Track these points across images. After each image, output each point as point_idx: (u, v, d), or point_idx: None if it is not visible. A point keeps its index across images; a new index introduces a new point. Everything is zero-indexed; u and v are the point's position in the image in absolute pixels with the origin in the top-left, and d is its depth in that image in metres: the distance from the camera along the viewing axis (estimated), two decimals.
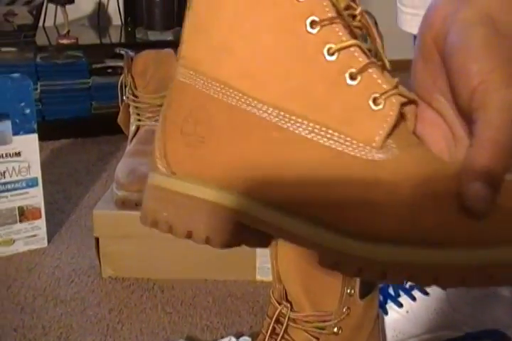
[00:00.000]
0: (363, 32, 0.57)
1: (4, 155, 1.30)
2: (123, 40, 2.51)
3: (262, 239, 0.58)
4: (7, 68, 1.90)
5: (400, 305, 1.07)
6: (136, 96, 1.41)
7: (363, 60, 0.52)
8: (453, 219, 0.48)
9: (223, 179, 0.55)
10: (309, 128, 0.52)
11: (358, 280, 0.84)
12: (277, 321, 0.87)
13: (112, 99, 1.69)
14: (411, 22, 1.06)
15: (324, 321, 0.85)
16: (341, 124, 0.52)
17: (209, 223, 0.55)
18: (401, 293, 1.08)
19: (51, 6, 2.37)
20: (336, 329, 0.85)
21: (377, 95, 0.51)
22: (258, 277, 1.25)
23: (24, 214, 1.35)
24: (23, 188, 1.34)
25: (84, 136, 2.12)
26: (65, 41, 2.23)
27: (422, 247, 0.48)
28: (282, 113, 0.53)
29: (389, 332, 1.06)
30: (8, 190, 1.32)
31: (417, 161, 0.51)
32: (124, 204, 1.22)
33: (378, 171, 0.50)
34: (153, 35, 2.34)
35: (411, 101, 0.55)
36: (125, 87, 1.45)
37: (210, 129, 0.56)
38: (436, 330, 1.08)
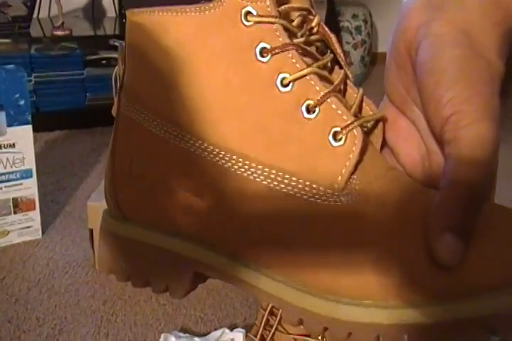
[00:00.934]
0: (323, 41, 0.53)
1: None
2: (117, 32, 2.50)
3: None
4: (1, 59, 1.89)
5: None
6: None
7: (320, 88, 0.48)
8: (420, 273, 0.44)
9: (177, 225, 0.51)
10: (265, 174, 0.47)
11: None
12: (271, 313, 0.87)
13: (106, 91, 1.69)
14: None
15: None
16: (300, 167, 0.47)
17: (168, 274, 0.52)
18: None
19: None
20: None
21: (337, 129, 0.47)
22: None
23: (18, 205, 1.35)
24: (17, 179, 1.33)
25: (78, 127, 2.12)
26: (59, 33, 2.23)
27: (385, 306, 0.44)
28: (235, 157, 0.48)
29: None
30: (2, 181, 1.32)
31: (381, 203, 0.46)
32: None
33: (341, 218, 0.46)
34: None
35: (379, 120, 0.52)
36: (119, 78, 1.44)
37: (159, 174, 0.51)
38: None
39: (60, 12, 2.30)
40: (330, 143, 0.47)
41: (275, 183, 0.47)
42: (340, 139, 0.47)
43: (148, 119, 0.51)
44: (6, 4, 2.30)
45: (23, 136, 1.32)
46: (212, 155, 0.49)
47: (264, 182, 0.47)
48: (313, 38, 0.51)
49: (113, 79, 1.47)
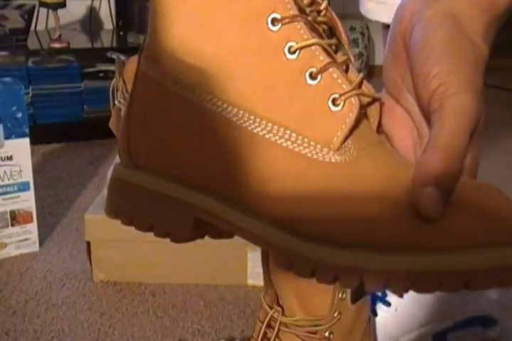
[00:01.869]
0: (329, 27, 0.57)
1: None
2: (114, 44, 2.52)
3: (221, 232, 0.58)
4: None
5: (389, 305, 1.08)
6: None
7: (323, 58, 0.52)
8: (408, 224, 0.47)
9: (184, 175, 0.55)
10: (268, 129, 0.51)
11: None
12: (269, 325, 0.87)
13: (103, 103, 1.69)
14: (376, 10, 1.05)
15: (316, 325, 0.85)
16: (300, 125, 0.51)
17: (170, 219, 0.55)
18: (388, 292, 1.09)
19: (43, 10, 2.37)
20: (327, 334, 0.85)
21: (336, 95, 0.51)
22: (249, 281, 1.26)
23: (16, 218, 1.35)
24: (14, 192, 1.34)
25: (75, 139, 2.12)
26: (56, 45, 2.23)
27: (375, 252, 0.47)
28: (241, 112, 0.52)
29: (380, 335, 1.07)
30: None
31: (374, 164, 0.51)
32: None
33: (335, 174, 0.50)
34: None
35: (375, 100, 0.55)
36: (117, 91, 1.45)
37: (171, 125, 0.55)
38: (426, 324, 1.09)
39: (57, 25, 2.31)
40: (329, 107, 0.51)
41: (276, 138, 0.51)
42: (339, 105, 0.51)
43: (164, 76, 0.55)
44: (4, 17, 2.31)
45: (21, 148, 1.32)
46: (220, 109, 0.53)
47: (267, 136, 0.51)
48: (320, 19, 0.56)
49: (110, 91, 1.47)
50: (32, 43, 2.30)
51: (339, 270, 0.49)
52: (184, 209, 0.56)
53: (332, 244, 0.48)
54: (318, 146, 0.51)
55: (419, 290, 0.47)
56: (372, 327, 0.97)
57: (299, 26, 0.52)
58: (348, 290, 0.85)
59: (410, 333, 1.09)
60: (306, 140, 0.51)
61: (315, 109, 0.51)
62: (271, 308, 0.87)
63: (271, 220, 0.51)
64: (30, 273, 1.28)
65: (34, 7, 2.29)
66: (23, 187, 1.34)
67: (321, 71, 0.52)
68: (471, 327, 1.10)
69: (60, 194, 1.68)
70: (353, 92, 0.51)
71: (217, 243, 1.29)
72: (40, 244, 1.39)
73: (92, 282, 1.24)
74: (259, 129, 0.52)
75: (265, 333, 0.88)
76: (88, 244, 1.25)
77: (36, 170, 1.46)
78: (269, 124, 0.52)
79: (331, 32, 0.57)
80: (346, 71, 0.56)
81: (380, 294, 1.09)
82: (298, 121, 0.51)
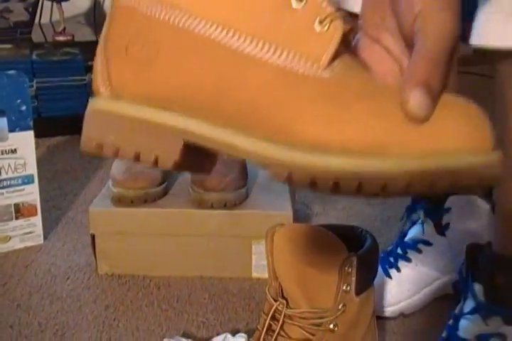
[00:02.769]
0: None
1: (0, 152, 1.30)
2: None
3: (205, 163, 0.60)
4: (3, 65, 1.89)
5: (409, 260, 1.18)
6: None
7: None
8: (397, 128, 0.50)
9: (171, 99, 0.56)
10: (258, 47, 0.54)
11: (354, 278, 0.85)
12: (273, 318, 0.87)
13: None
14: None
15: (320, 318, 0.85)
16: (289, 41, 0.54)
17: (157, 144, 0.56)
18: (408, 250, 1.19)
19: (47, 3, 2.36)
20: (331, 326, 0.85)
21: (322, 18, 0.54)
22: (254, 274, 1.26)
23: (20, 211, 1.35)
24: (19, 185, 1.33)
25: (80, 132, 2.10)
26: (61, 38, 2.23)
27: (370, 156, 0.50)
28: (229, 30, 0.54)
29: (404, 287, 1.17)
30: (4, 187, 1.32)
31: (361, 82, 0.53)
32: (120, 201, 1.22)
33: (325, 88, 0.53)
34: None
35: (351, 29, 0.58)
36: None
37: (158, 50, 0.56)
38: (444, 275, 1.20)
39: (61, 17, 2.30)
40: (315, 28, 0.54)
41: (268, 55, 0.53)
42: (325, 26, 0.54)
43: (148, 5, 0.57)
44: (8, 9, 2.31)
45: (25, 141, 1.32)
46: (208, 30, 0.55)
47: (259, 56, 0.54)
48: None
49: None
50: (36, 36, 2.30)
51: (339, 176, 0.50)
52: (172, 134, 0.56)
53: (330, 152, 0.51)
54: (309, 63, 0.53)
55: (414, 191, 0.50)
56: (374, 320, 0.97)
57: None
58: (353, 283, 0.85)
59: (431, 285, 1.19)
60: (297, 55, 0.53)
61: (302, 31, 0.54)
62: (275, 301, 0.87)
63: (265, 134, 0.53)
64: (35, 266, 1.28)
65: (38, 0, 2.28)
66: (28, 180, 1.34)
67: None
68: None
69: (65, 187, 1.68)
70: (338, 14, 0.54)
71: (222, 236, 1.29)
72: (45, 237, 1.39)
73: (97, 275, 1.24)
74: (249, 48, 0.54)
75: (270, 325, 0.88)
76: (93, 236, 1.25)
77: (40, 163, 1.45)
78: (260, 42, 0.54)
79: None
80: None
81: (400, 252, 1.19)
82: (287, 38, 0.54)
